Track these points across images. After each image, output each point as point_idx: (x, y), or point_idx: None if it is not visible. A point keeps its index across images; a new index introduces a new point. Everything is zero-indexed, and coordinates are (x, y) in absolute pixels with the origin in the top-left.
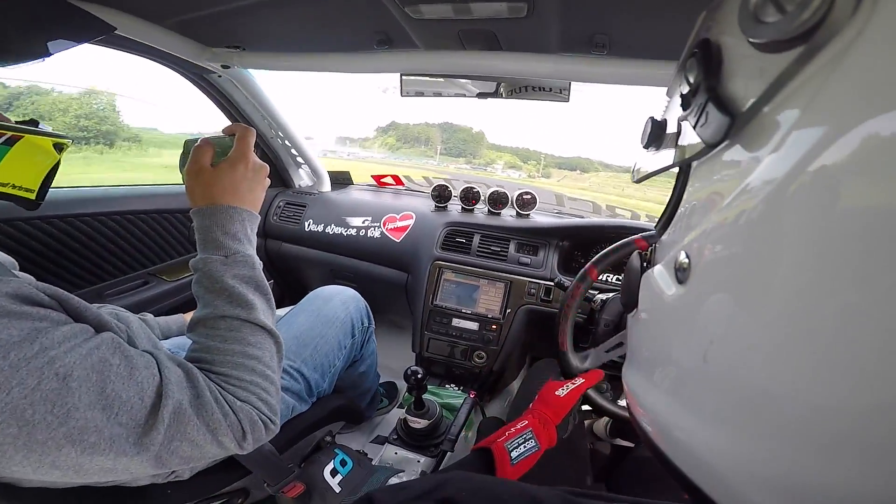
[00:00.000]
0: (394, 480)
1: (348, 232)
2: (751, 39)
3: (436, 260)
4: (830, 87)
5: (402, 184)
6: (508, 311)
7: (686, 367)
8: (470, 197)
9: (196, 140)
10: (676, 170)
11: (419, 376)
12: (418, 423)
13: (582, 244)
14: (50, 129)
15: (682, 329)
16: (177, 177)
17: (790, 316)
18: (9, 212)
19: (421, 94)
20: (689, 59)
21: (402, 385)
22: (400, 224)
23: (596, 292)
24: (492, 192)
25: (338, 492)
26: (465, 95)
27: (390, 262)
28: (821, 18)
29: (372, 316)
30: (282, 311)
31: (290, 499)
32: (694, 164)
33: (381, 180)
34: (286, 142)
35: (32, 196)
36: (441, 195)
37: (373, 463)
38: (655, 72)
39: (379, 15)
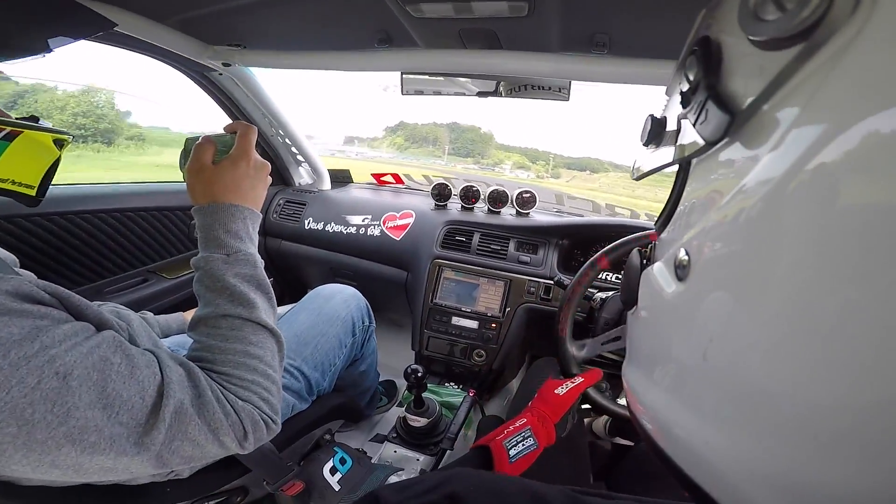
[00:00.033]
0: (393, 479)
1: (348, 230)
2: (751, 37)
3: (435, 258)
4: (830, 85)
5: (401, 182)
6: (508, 309)
7: (686, 365)
8: (470, 195)
9: (197, 138)
10: (676, 168)
11: (419, 375)
12: (418, 422)
13: (582, 243)
14: (50, 125)
15: (681, 327)
16: (160, 174)
17: (789, 313)
18: (9, 209)
19: (421, 92)
20: (689, 57)
21: (402, 383)
22: (400, 222)
23: (595, 291)
24: (491, 191)
25: (337, 490)
26: (464, 94)
27: (390, 260)
28: (821, 16)
29: (373, 314)
30: (282, 310)
31: (289, 497)
32: (693, 161)
33: (381, 179)
34: (286, 140)
35: (33, 192)
36: (441, 194)
37: (372, 461)
38: (656, 71)
39: (380, 13)
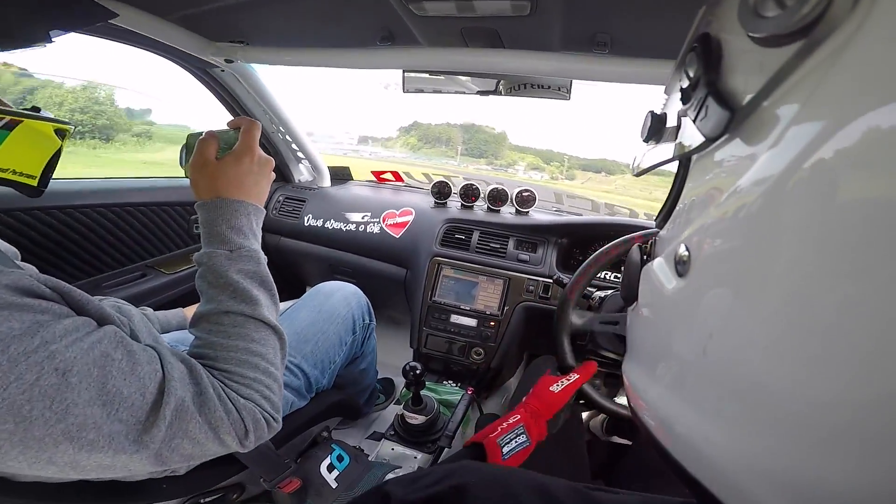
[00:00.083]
0: (390, 477)
1: (347, 227)
2: (751, 34)
3: (435, 256)
4: (830, 82)
5: (401, 180)
6: (507, 307)
7: (686, 361)
8: (469, 194)
9: (199, 134)
10: (677, 164)
11: (417, 372)
12: (416, 420)
13: (581, 241)
14: (51, 115)
15: (681, 322)
16: (141, 171)
17: (789, 309)
18: (9, 202)
19: (421, 90)
20: (689, 54)
21: (399, 381)
22: (399, 220)
23: (594, 290)
24: (491, 190)
25: (334, 487)
26: (464, 92)
27: (389, 257)
28: (820, 13)
29: (373, 312)
30: (282, 306)
31: (286, 494)
32: (694, 158)
33: (381, 176)
34: (287, 136)
35: (34, 182)
36: (441, 192)
37: (369, 459)
38: (657, 71)
39: (382, 11)
